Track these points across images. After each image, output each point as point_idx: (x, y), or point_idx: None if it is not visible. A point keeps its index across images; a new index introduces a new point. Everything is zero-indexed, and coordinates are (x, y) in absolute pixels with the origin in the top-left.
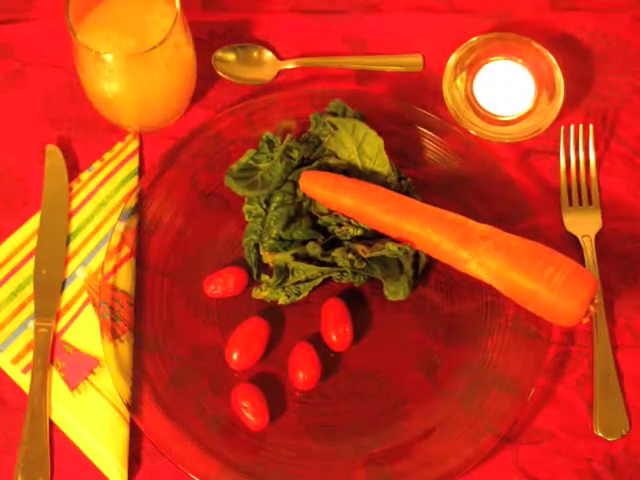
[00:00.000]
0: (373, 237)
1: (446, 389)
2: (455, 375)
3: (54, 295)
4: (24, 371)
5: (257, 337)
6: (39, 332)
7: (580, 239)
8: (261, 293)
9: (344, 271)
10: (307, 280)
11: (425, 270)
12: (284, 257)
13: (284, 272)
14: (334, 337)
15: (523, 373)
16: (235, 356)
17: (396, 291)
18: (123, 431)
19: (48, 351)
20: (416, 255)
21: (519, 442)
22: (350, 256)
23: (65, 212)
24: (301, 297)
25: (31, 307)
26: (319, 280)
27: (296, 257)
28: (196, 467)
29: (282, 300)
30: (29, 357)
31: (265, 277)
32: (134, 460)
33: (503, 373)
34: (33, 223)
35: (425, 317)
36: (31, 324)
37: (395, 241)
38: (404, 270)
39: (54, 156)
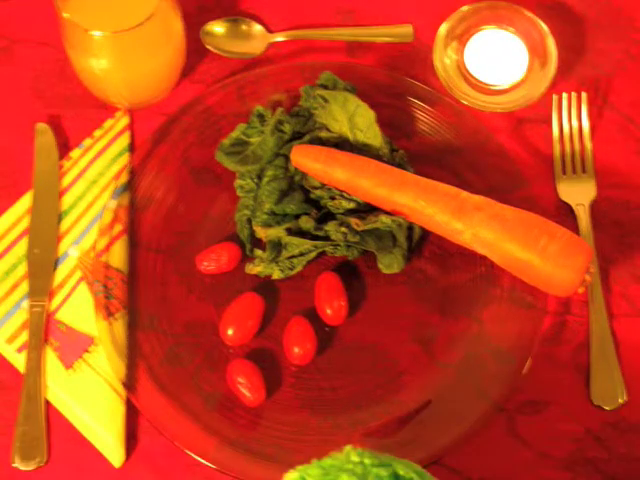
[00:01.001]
0: (366, 210)
1: (442, 361)
2: (451, 347)
3: (47, 274)
4: (19, 350)
5: (252, 312)
6: (33, 311)
7: (574, 208)
8: (255, 268)
9: (337, 245)
10: (301, 254)
11: (419, 242)
12: (277, 232)
13: (277, 247)
14: (329, 311)
15: (519, 343)
16: (230, 332)
17: (390, 264)
18: (119, 409)
19: (42, 330)
20: (410, 228)
21: (516, 412)
22: (343, 229)
23: (56, 191)
24: (295, 271)
25: (24, 287)
26: (313, 254)
27: (289, 231)
28: (193, 444)
29: (276, 275)
30: (24, 337)
31: (258, 252)
32: (131, 438)
33: (499, 344)
34: (24, 202)
35: (420, 289)
36: (25, 304)
37: (388, 214)
38: (398, 243)
39: (44, 134)
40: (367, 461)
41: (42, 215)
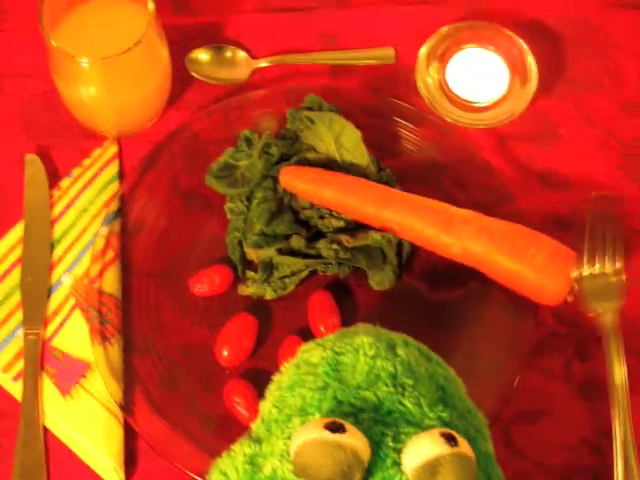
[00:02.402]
0: (356, 228)
1: None
2: (443, 361)
3: (41, 302)
4: (15, 379)
5: (246, 333)
6: (28, 339)
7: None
8: (247, 289)
9: (329, 263)
10: (292, 274)
11: (409, 259)
12: (268, 252)
13: (269, 267)
14: (322, 329)
15: (511, 356)
16: (225, 353)
17: (381, 281)
18: (117, 432)
19: (38, 358)
20: (399, 244)
21: (510, 423)
22: (334, 247)
23: (47, 220)
24: (287, 291)
25: (19, 315)
26: (304, 273)
27: (280, 252)
28: (192, 465)
29: (269, 295)
30: (19, 365)
31: (250, 273)
32: (130, 461)
33: (491, 357)
34: (16, 233)
35: (411, 305)
36: (20, 332)
37: (378, 230)
38: (388, 259)
39: (34, 165)
40: (379, 328)
41: (34, 244)
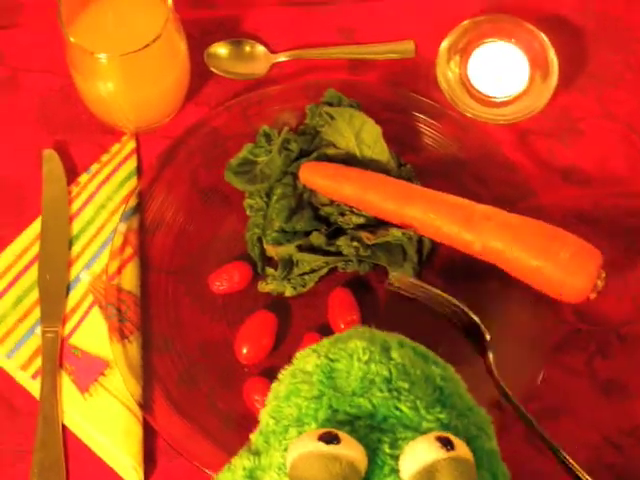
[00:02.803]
0: (376, 225)
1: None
2: (463, 361)
3: (59, 300)
4: (34, 377)
5: (265, 330)
6: (46, 337)
7: None
8: (267, 286)
9: (349, 260)
10: (312, 271)
11: (429, 256)
12: (288, 249)
13: (289, 264)
14: (342, 326)
15: (533, 353)
16: (245, 350)
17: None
18: (137, 431)
19: (57, 355)
20: (420, 241)
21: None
22: (355, 244)
23: (66, 216)
24: (307, 288)
25: (37, 313)
26: (324, 270)
27: (300, 248)
28: (212, 463)
29: (288, 292)
30: (38, 362)
31: (270, 270)
32: (149, 460)
33: (513, 354)
34: (34, 229)
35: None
36: (38, 330)
37: (398, 227)
38: (408, 256)
39: (52, 161)
40: (374, 330)
41: (52, 241)
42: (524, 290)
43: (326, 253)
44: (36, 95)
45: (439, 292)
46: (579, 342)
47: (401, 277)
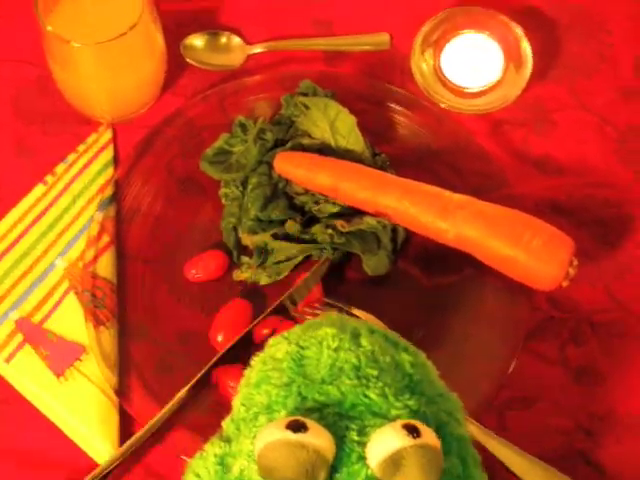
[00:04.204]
0: (350, 214)
1: (429, 360)
2: (438, 346)
3: None
4: (7, 360)
5: (241, 318)
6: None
7: None
8: (242, 274)
9: (323, 248)
10: (287, 259)
11: (404, 244)
12: (263, 237)
13: (264, 253)
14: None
15: (506, 341)
16: (220, 338)
17: (376, 266)
18: (113, 416)
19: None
20: (394, 230)
21: (505, 408)
22: (330, 231)
23: None
24: (282, 276)
25: (11, 298)
26: (299, 258)
27: (275, 237)
28: (189, 450)
29: (263, 281)
30: (11, 346)
31: (245, 259)
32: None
33: (486, 342)
34: (10, 218)
35: (405, 291)
36: (12, 314)
37: (373, 216)
38: (382, 245)
39: None
40: (345, 317)
41: None
42: (498, 278)
43: (301, 242)
44: (12, 85)
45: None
46: (552, 330)
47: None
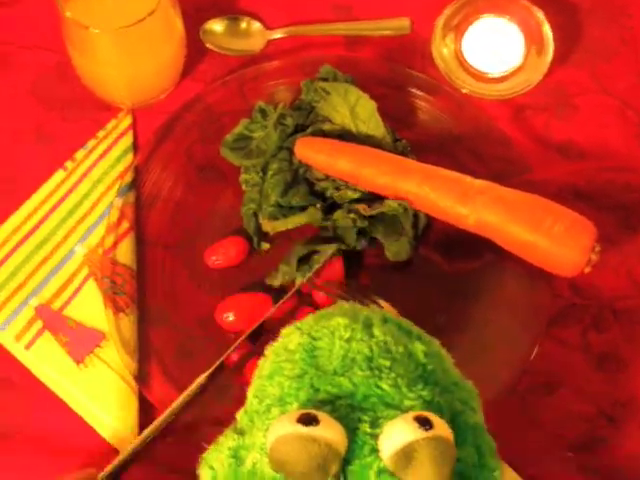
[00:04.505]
0: (371, 199)
1: (451, 347)
2: (460, 333)
3: None
4: (27, 347)
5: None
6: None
7: None
8: (276, 281)
9: (347, 243)
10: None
11: (425, 230)
12: (284, 224)
13: (304, 260)
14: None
15: (528, 327)
16: (231, 317)
17: (398, 252)
18: (133, 402)
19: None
20: (415, 215)
21: (528, 393)
22: (352, 215)
23: None
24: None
25: (31, 285)
26: (329, 255)
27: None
28: (209, 436)
29: (298, 281)
30: (31, 333)
31: (265, 245)
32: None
33: (508, 328)
34: (27, 207)
35: (427, 277)
36: (31, 301)
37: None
38: (404, 231)
39: None
40: (357, 307)
41: None
42: (519, 264)
43: (326, 240)
44: (31, 72)
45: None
46: (574, 316)
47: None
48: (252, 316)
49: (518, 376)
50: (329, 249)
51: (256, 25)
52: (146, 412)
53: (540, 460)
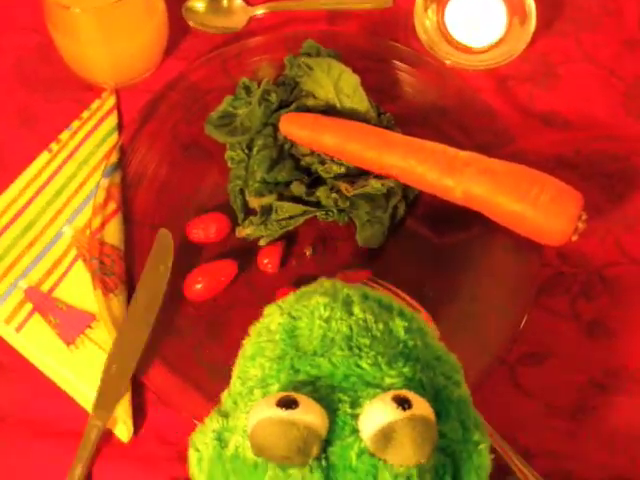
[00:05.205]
0: (356, 174)
1: (440, 319)
2: (449, 304)
3: (117, 393)
4: (17, 330)
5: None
6: (91, 424)
7: None
8: (244, 230)
9: (329, 210)
10: (290, 217)
11: (412, 204)
12: (270, 199)
13: (268, 211)
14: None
15: (517, 297)
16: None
17: (369, 238)
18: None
19: (93, 446)
20: (395, 207)
21: (517, 364)
22: (334, 195)
23: (157, 304)
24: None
25: (20, 267)
26: (302, 219)
27: (281, 198)
28: (201, 413)
29: (263, 241)
30: (21, 315)
31: (249, 217)
32: (138, 412)
33: (497, 298)
34: (16, 188)
35: (415, 250)
36: (21, 283)
37: (379, 177)
38: (381, 219)
39: (164, 239)
40: (338, 284)
41: (134, 329)
42: (507, 235)
43: (306, 204)
44: (14, 53)
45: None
46: (563, 284)
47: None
48: (219, 283)
49: (508, 346)
50: (302, 218)
51: (238, 2)
52: (138, 392)
53: (531, 430)
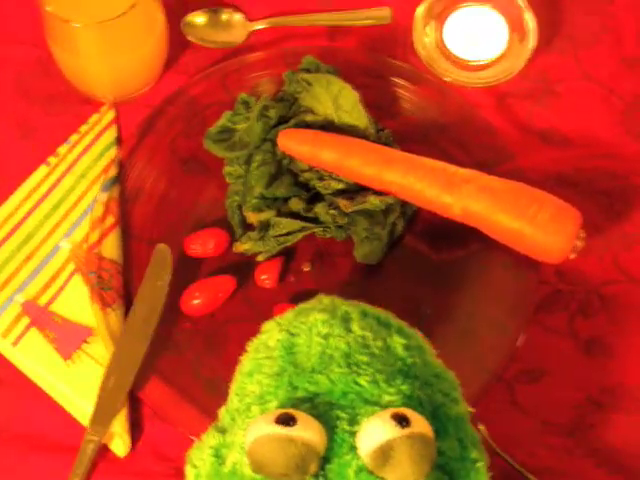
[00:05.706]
0: (355, 190)
1: (437, 335)
2: (446, 321)
3: (114, 408)
4: (14, 344)
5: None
6: (88, 439)
7: None
8: (242, 246)
9: (327, 226)
10: (288, 234)
11: (411, 221)
12: (268, 215)
13: (266, 227)
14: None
15: (514, 314)
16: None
17: (368, 254)
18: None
19: (89, 462)
20: (393, 224)
21: (515, 381)
22: (332, 211)
23: (154, 319)
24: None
25: (17, 281)
26: (300, 235)
27: (279, 214)
28: (197, 429)
29: (261, 257)
30: (18, 329)
31: (248, 233)
32: (135, 427)
33: (494, 316)
34: (13, 201)
35: (413, 266)
36: (17, 297)
37: (377, 193)
38: (380, 235)
39: (162, 254)
40: (337, 301)
41: (131, 341)
42: (505, 252)
43: (305, 220)
44: (13, 67)
45: None
46: (561, 302)
47: None
48: (217, 298)
49: (505, 363)
50: (301, 234)
51: (237, 17)
52: (135, 407)
53: (528, 447)
